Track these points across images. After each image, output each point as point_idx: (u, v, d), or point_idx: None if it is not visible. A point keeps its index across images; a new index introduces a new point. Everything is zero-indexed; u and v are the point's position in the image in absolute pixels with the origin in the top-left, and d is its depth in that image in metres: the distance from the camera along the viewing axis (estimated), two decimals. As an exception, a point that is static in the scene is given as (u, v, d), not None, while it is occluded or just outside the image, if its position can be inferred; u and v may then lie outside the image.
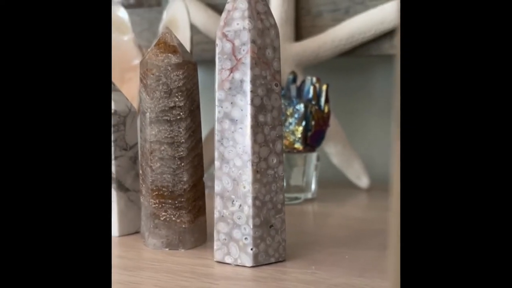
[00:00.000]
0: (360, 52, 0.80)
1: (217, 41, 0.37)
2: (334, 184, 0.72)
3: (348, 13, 0.78)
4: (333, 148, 0.70)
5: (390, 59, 0.75)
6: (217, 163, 0.37)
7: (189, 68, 0.40)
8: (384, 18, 0.74)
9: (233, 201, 0.35)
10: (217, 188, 0.36)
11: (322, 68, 0.81)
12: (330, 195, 0.68)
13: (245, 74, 0.35)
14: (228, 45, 0.35)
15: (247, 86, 0.34)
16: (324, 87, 0.60)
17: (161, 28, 0.74)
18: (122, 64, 0.76)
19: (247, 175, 0.35)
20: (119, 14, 0.74)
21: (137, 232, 0.47)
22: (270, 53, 0.35)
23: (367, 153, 0.74)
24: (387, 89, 0.78)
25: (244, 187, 0.35)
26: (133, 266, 0.39)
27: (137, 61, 0.75)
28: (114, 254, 0.43)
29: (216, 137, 0.37)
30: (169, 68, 0.39)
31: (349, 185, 0.71)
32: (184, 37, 0.69)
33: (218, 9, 0.81)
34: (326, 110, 0.60)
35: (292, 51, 0.76)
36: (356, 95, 0.81)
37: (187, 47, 0.69)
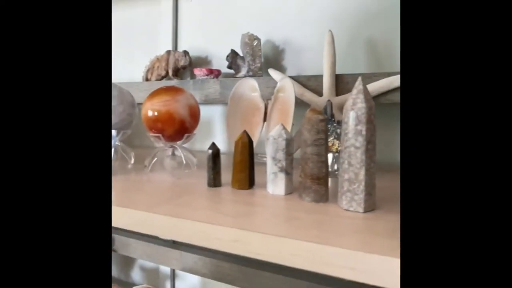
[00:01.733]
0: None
1: (350, 112, 0.36)
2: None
3: (367, 81, 0.76)
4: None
5: (385, 105, 0.74)
6: (345, 166, 0.37)
7: (326, 120, 0.40)
8: (381, 87, 0.70)
9: (355, 183, 0.36)
10: (346, 177, 0.37)
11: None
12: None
13: (363, 127, 0.36)
14: (354, 114, 0.36)
15: (364, 132, 0.36)
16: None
17: (275, 90, 0.67)
18: (253, 107, 0.72)
19: (362, 172, 0.36)
20: (252, 82, 0.70)
21: (290, 193, 0.45)
22: (372, 116, 0.36)
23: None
24: (380, 119, 0.75)
25: (361, 177, 0.36)
26: (296, 214, 0.38)
27: (261, 105, 0.70)
28: (283, 206, 0.40)
29: (345, 154, 0.37)
30: (318, 121, 0.39)
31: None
32: (290, 98, 0.63)
33: (303, 85, 0.78)
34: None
35: (335, 101, 0.71)
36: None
37: (293, 103, 0.62)
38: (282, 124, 0.44)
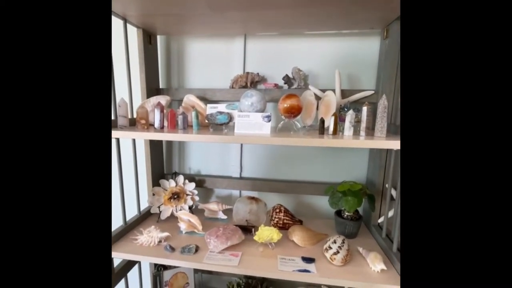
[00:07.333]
0: (358, 102, 1.13)
1: (381, 106, 0.90)
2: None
3: (352, 93, 1.16)
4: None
5: (361, 103, 1.16)
6: (379, 120, 0.91)
7: (372, 105, 0.93)
8: (359, 96, 1.05)
9: (382, 125, 0.92)
10: (379, 123, 0.92)
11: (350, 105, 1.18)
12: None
13: (384, 112, 0.90)
14: (383, 107, 0.90)
15: (383, 114, 0.89)
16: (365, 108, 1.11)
17: (323, 95, 1.04)
18: (310, 102, 0.96)
19: (384, 123, 0.90)
20: (310, 91, 0.99)
21: (353, 134, 0.99)
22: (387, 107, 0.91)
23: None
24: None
25: (384, 123, 0.91)
26: (357, 137, 0.89)
27: (314, 102, 0.96)
28: (352, 136, 0.95)
29: (379, 117, 0.89)
30: (370, 107, 0.93)
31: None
32: (331, 98, 0.96)
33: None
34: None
35: (343, 101, 1.05)
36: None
37: (334, 102, 0.97)
38: (354, 112, 0.96)
